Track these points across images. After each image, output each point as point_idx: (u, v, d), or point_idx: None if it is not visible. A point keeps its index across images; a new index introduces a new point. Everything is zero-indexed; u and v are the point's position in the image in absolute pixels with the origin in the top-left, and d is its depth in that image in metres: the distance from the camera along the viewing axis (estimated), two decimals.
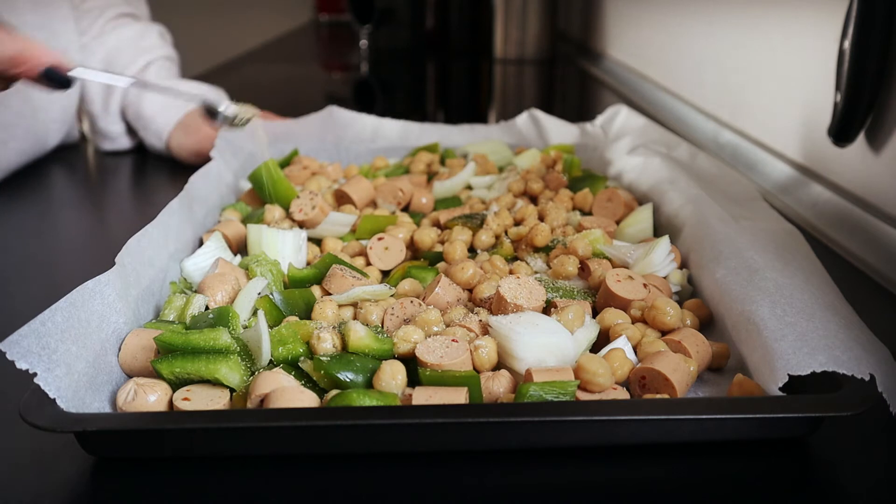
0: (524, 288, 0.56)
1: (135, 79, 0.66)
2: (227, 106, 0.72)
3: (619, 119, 1.02)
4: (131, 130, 1.16)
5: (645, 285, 0.59)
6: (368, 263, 0.68)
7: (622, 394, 0.48)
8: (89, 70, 0.62)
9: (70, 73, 0.59)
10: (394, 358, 0.51)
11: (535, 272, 0.65)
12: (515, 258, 0.69)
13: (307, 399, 0.46)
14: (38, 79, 0.59)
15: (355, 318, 0.58)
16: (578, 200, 0.79)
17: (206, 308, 0.58)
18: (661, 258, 0.63)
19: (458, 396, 0.47)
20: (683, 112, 1.29)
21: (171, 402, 0.48)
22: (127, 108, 1.13)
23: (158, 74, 1.14)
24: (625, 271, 0.60)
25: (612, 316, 0.56)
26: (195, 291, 0.60)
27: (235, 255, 0.70)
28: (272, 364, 0.52)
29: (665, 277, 0.63)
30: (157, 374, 0.50)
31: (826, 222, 0.81)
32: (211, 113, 0.72)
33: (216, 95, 1.16)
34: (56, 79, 0.59)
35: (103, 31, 1.13)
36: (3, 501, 0.42)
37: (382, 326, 0.56)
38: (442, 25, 2.32)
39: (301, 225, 0.74)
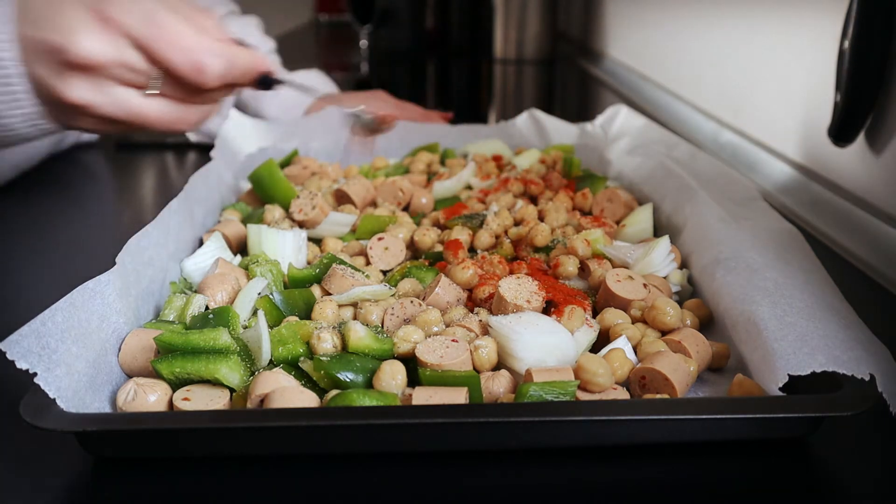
0: (524, 288, 0.56)
1: (320, 92, 0.70)
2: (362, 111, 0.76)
3: (618, 119, 1.02)
4: None
5: (645, 285, 0.59)
6: (368, 263, 0.68)
7: (622, 394, 0.48)
8: (286, 75, 0.64)
9: (277, 78, 0.62)
10: (394, 358, 0.51)
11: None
12: (515, 258, 0.69)
13: (307, 399, 0.46)
14: (251, 84, 0.61)
15: (355, 318, 0.58)
16: (578, 200, 0.79)
17: (206, 308, 0.58)
18: (661, 258, 0.63)
19: (458, 396, 0.47)
20: (683, 112, 1.29)
21: (171, 402, 0.48)
22: (245, 108, 1.16)
23: None
24: (625, 271, 0.60)
25: (612, 316, 0.56)
26: (195, 291, 0.60)
27: (235, 255, 0.69)
28: (272, 364, 0.52)
29: (665, 277, 0.63)
30: (157, 374, 0.50)
31: (826, 222, 0.81)
32: (354, 116, 0.75)
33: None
34: (268, 83, 0.61)
35: None
36: (3, 501, 0.42)
37: (382, 326, 0.56)
38: (442, 25, 2.32)
39: (301, 225, 0.74)
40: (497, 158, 0.93)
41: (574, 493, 0.43)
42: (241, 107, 1.17)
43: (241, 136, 0.98)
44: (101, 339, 0.50)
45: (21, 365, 0.43)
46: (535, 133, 1.04)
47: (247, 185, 0.87)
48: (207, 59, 0.55)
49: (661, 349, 0.52)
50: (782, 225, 0.65)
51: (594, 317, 0.57)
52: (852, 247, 0.75)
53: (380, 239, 0.69)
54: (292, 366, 0.52)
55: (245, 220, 0.76)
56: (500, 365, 0.52)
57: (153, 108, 0.56)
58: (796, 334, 0.49)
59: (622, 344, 0.53)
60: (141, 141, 1.19)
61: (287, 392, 0.46)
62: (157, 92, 0.56)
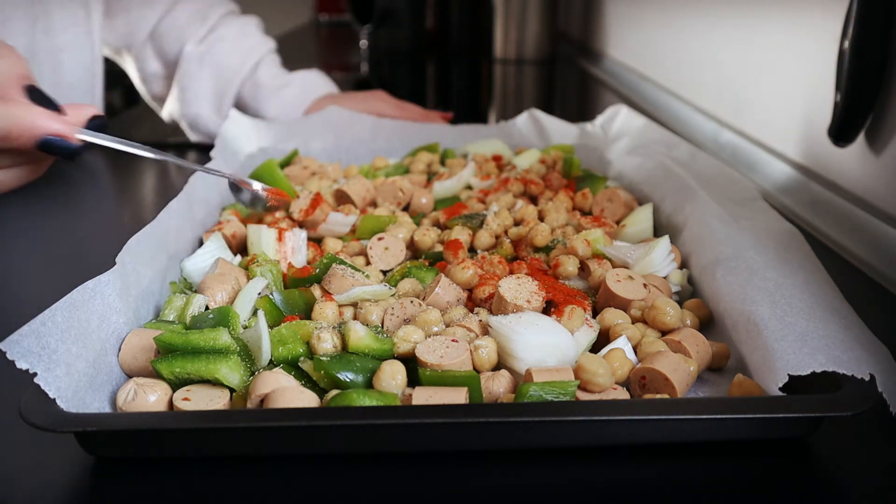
0: (524, 288, 0.56)
1: (149, 149, 0.59)
2: (257, 188, 0.69)
3: (619, 119, 1.02)
4: None
5: (645, 285, 0.59)
6: (368, 263, 0.68)
7: (622, 394, 0.48)
8: (98, 135, 0.52)
9: (74, 143, 0.51)
10: (394, 358, 0.51)
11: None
12: (515, 258, 0.69)
13: (307, 399, 0.46)
14: (37, 149, 0.50)
15: (355, 318, 0.58)
16: (578, 200, 0.79)
17: (206, 308, 0.58)
18: (661, 258, 0.63)
19: (458, 396, 0.47)
20: (683, 112, 1.29)
21: (171, 402, 0.48)
22: (245, 109, 1.16)
23: (269, 72, 1.17)
24: (625, 271, 0.60)
25: (612, 316, 0.56)
26: (195, 291, 0.60)
27: (235, 255, 0.70)
28: (272, 364, 0.52)
29: (665, 277, 0.63)
30: (157, 374, 0.50)
31: (826, 222, 0.81)
32: (236, 188, 0.69)
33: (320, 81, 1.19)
34: (57, 148, 0.50)
35: (206, 38, 1.15)
36: (3, 501, 0.42)
37: (382, 326, 0.56)
38: (442, 25, 2.32)
39: (301, 225, 0.74)
40: (497, 158, 0.93)
41: (574, 493, 0.43)
42: (240, 107, 1.17)
43: (241, 136, 0.98)
44: (101, 339, 0.50)
45: (21, 365, 0.43)
46: (535, 133, 1.04)
47: None
48: None
49: (661, 349, 0.52)
50: (782, 225, 0.65)
51: (594, 317, 0.57)
52: (852, 247, 0.75)
53: (380, 239, 0.69)
54: (292, 366, 0.52)
55: (245, 220, 0.76)
56: (500, 365, 0.52)
57: None
58: (796, 334, 0.49)
59: (622, 344, 0.53)
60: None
61: (287, 392, 0.46)
62: None
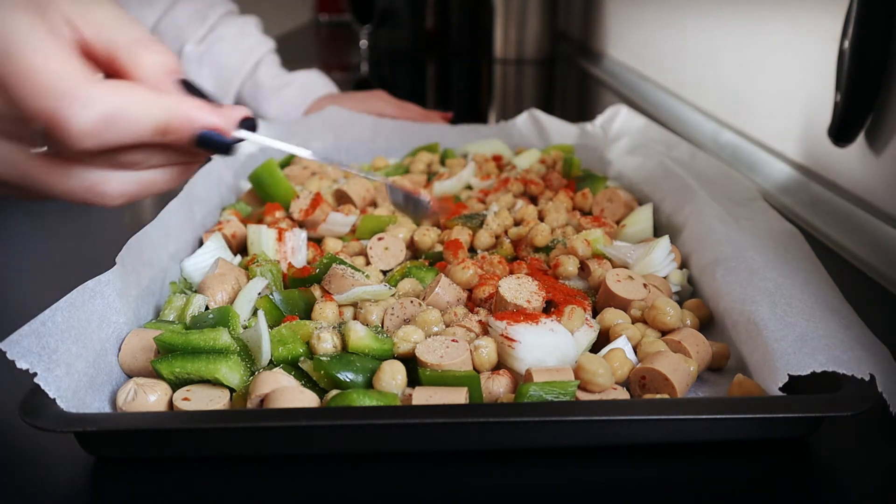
0: (524, 288, 0.56)
1: (312, 152, 0.52)
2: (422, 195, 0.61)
3: (619, 119, 1.02)
4: None
5: (645, 285, 0.59)
6: (368, 263, 0.68)
7: (622, 394, 0.48)
8: (254, 134, 0.47)
9: (231, 137, 0.45)
10: (394, 358, 0.51)
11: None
12: (515, 258, 0.69)
13: (307, 399, 0.46)
14: (190, 145, 0.44)
15: (355, 318, 0.58)
16: (578, 200, 0.79)
17: (206, 308, 0.58)
18: (661, 258, 0.63)
19: (458, 396, 0.47)
20: (683, 112, 1.29)
21: (171, 402, 0.48)
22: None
23: (268, 72, 1.16)
24: (625, 271, 0.60)
25: (612, 316, 0.56)
26: (195, 291, 0.60)
27: (235, 255, 0.70)
28: (272, 364, 0.52)
29: (665, 277, 0.63)
30: (157, 374, 0.50)
31: (826, 222, 0.81)
32: (396, 193, 0.61)
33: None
34: (214, 143, 0.44)
35: (206, 38, 1.14)
36: (3, 501, 0.42)
37: (382, 326, 0.56)
38: (442, 25, 2.32)
39: (301, 225, 0.74)
40: (497, 158, 0.93)
41: (574, 493, 0.43)
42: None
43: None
44: (101, 339, 0.50)
45: (21, 365, 0.43)
46: (535, 133, 1.04)
47: (247, 185, 0.87)
48: (69, 109, 0.39)
49: (661, 349, 0.52)
50: (782, 225, 0.65)
51: (594, 317, 0.57)
52: (852, 247, 0.75)
53: (380, 239, 0.69)
54: (292, 366, 0.52)
55: (245, 220, 0.76)
56: (500, 365, 0.52)
57: (32, 170, 0.42)
58: (796, 334, 0.49)
59: (622, 344, 0.53)
60: None
61: (287, 392, 0.46)
62: (44, 150, 0.41)
